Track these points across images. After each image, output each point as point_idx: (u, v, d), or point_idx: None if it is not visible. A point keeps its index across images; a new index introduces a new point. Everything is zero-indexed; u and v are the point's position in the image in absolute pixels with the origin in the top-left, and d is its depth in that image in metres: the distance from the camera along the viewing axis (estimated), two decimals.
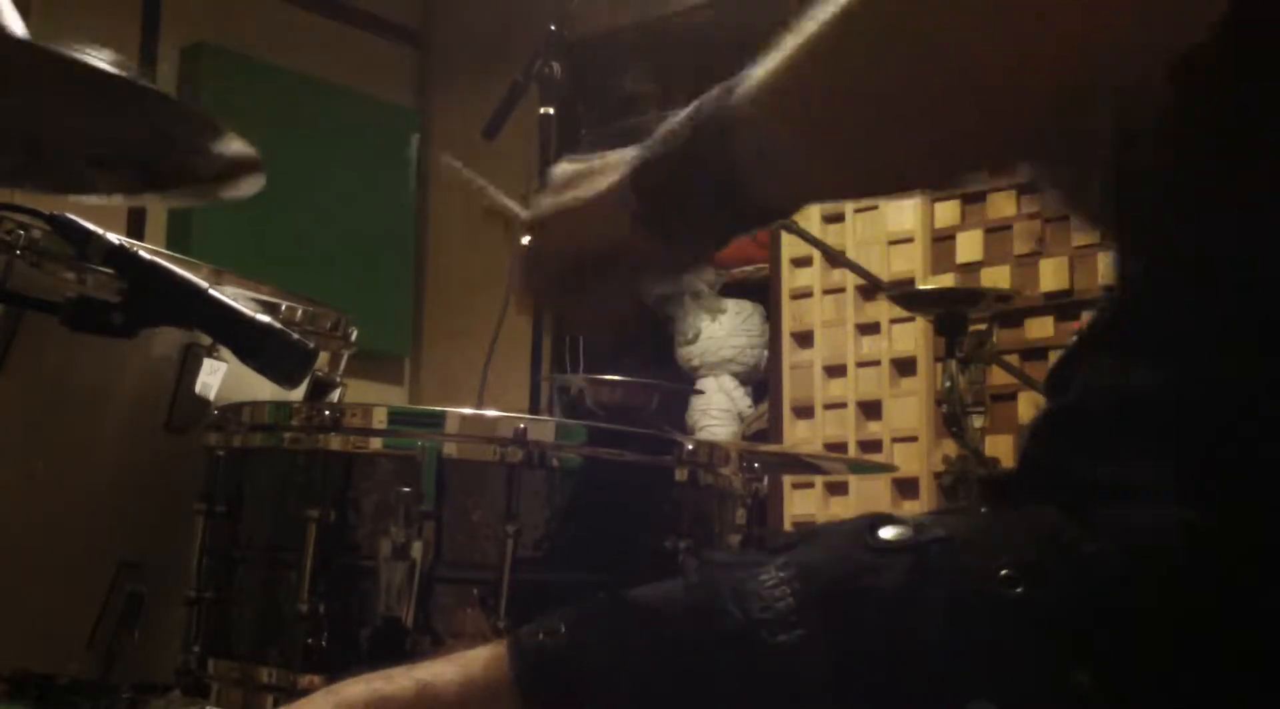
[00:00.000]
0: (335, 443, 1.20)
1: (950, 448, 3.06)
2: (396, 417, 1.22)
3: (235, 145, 1.28)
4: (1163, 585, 0.61)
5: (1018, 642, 0.62)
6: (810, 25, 0.67)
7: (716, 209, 0.75)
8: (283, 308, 1.47)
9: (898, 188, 0.79)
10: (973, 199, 3.46)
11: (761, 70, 0.71)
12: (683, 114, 0.76)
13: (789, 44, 0.69)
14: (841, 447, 3.59)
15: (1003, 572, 0.63)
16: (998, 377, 3.03)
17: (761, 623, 0.67)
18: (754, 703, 0.66)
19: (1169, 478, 0.63)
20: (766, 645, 0.66)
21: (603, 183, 0.81)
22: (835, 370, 3.65)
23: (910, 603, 0.65)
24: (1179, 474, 0.63)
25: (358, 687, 0.77)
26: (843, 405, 3.63)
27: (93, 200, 1.46)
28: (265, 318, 1.18)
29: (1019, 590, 0.62)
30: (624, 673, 0.69)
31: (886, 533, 0.68)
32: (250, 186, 1.36)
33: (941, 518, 0.69)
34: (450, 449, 1.18)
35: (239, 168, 1.32)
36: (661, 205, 0.77)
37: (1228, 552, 0.61)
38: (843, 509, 3.58)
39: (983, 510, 0.68)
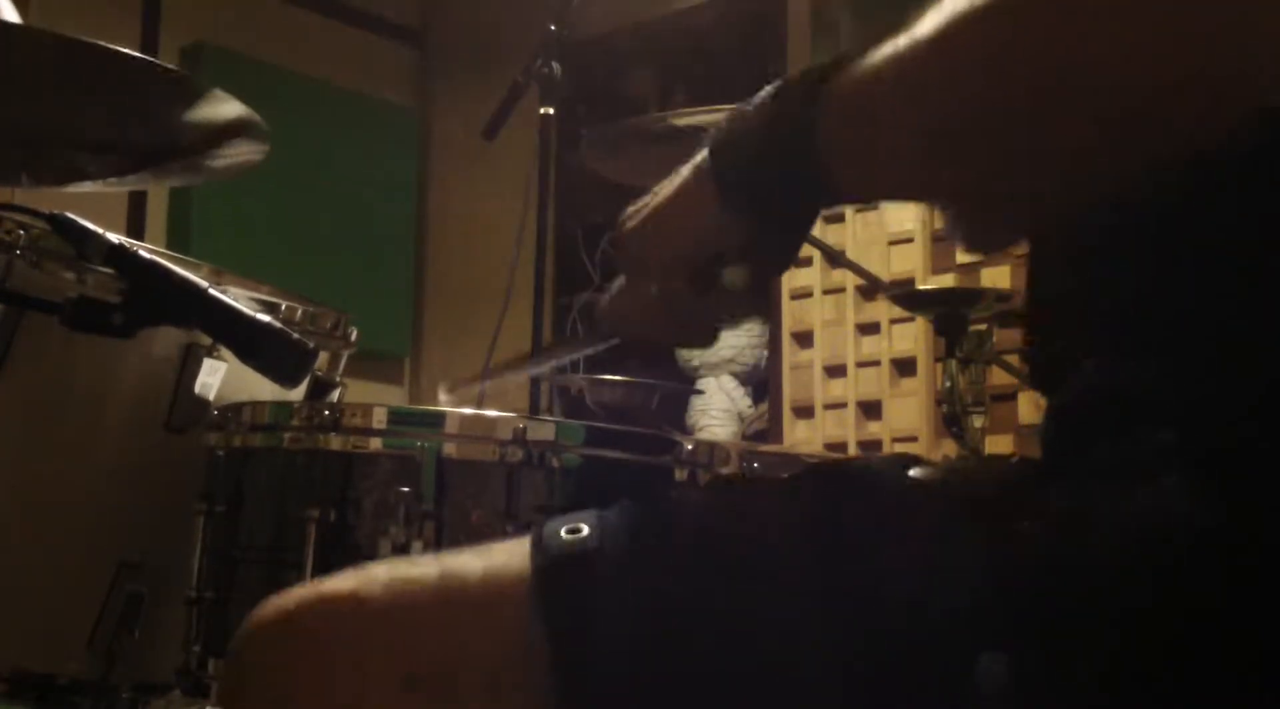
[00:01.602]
0: (335, 443, 1.20)
1: (950, 448, 3.06)
2: (396, 417, 1.22)
3: (226, 108, 1.27)
4: (1166, 579, 0.61)
5: (1033, 623, 0.62)
6: (935, 18, 0.66)
7: (796, 186, 0.74)
8: (283, 308, 1.47)
9: (976, 206, 0.77)
10: None
11: (870, 58, 0.69)
12: (761, 95, 0.75)
13: (903, 38, 0.67)
14: (841, 447, 3.59)
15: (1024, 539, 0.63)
16: (998, 377, 3.03)
17: (785, 542, 0.67)
18: (770, 619, 0.66)
19: (1173, 473, 0.63)
20: (788, 565, 0.67)
21: (679, 178, 0.81)
22: (835, 370, 3.65)
23: (928, 558, 0.65)
24: (1182, 470, 0.63)
25: (382, 567, 0.77)
26: (843, 405, 3.62)
27: (88, 187, 1.46)
28: (265, 318, 1.18)
29: (1039, 567, 0.63)
30: (642, 583, 0.69)
31: (916, 472, 0.68)
32: (245, 154, 1.35)
33: (968, 477, 0.70)
34: (450, 449, 1.18)
35: (230, 132, 1.32)
36: (741, 181, 0.76)
37: (1232, 547, 0.61)
38: None
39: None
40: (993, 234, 0.74)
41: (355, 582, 0.76)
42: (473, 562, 0.74)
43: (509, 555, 0.72)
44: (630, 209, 0.86)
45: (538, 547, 0.71)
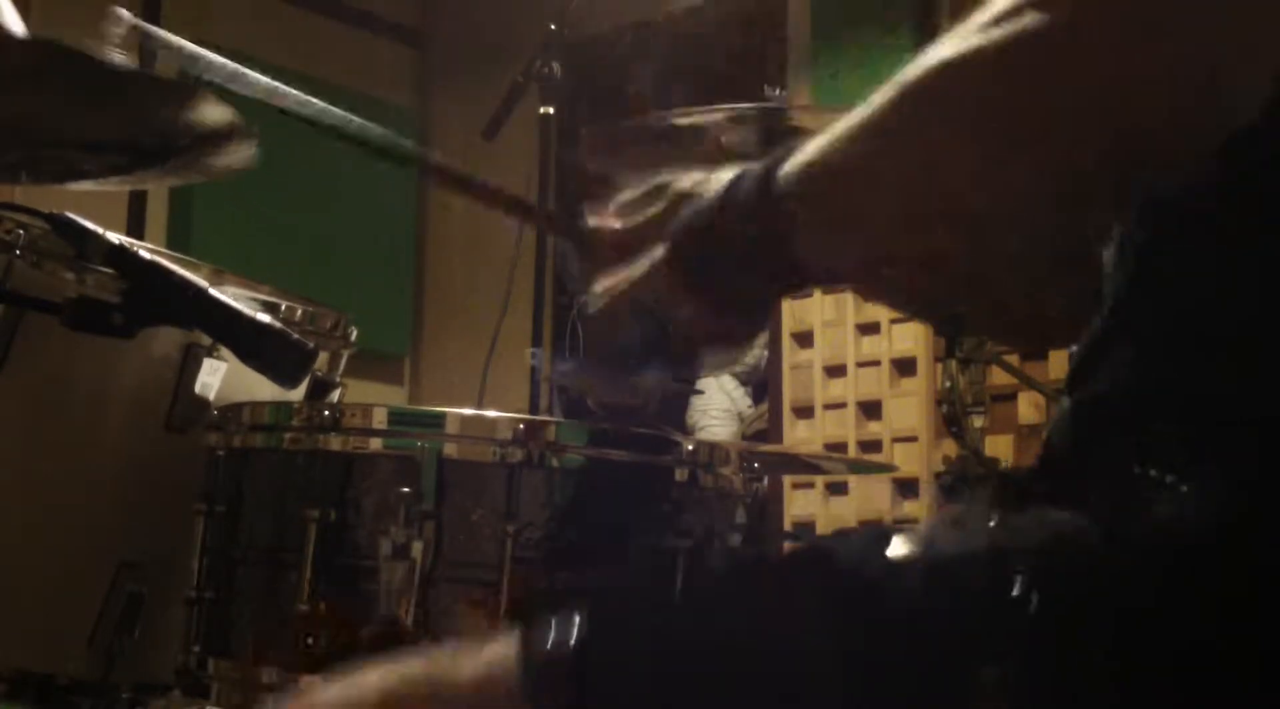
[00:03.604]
0: (335, 443, 1.21)
1: (950, 448, 3.06)
2: (396, 417, 1.22)
3: (215, 111, 1.28)
4: (1181, 588, 0.61)
5: (1034, 653, 0.62)
6: (859, 114, 0.68)
7: (755, 280, 0.76)
8: (283, 308, 1.47)
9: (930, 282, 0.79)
10: None
11: (806, 151, 0.72)
12: (720, 186, 0.77)
13: (838, 128, 0.69)
14: (841, 447, 3.59)
15: (1017, 583, 0.63)
16: (998, 377, 3.03)
17: (773, 639, 0.67)
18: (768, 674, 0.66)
19: (1192, 474, 0.63)
20: (778, 662, 0.66)
21: (646, 260, 0.82)
22: (835, 370, 3.65)
23: (925, 613, 0.64)
24: (1201, 470, 0.63)
25: (372, 678, 0.77)
26: (843, 405, 3.63)
27: (87, 186, 1.46)
28: (265, 318, 1.18)
29: (1035, 604, 0.62)
30: (634, 688, 0.69)
31: (897, 550, 0.68)
32: (240, 155, 1.36)
33: (951, 529, 0.69)
34: (450, 449, 1.18)
35: (224, 133, 1.33)
36: (702, 276, 0.78)
37: (1250, 551, 0.61)
38: (843, 509, 3.58)
39: (992, 520, 0.68)
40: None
41: (343, 695, 0.76)
42: (461, 672, 0.74)
43: (499, 669, 0.72)
44: (600, 286, 0.86)
45: (526, 664, 0.71)
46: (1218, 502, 0.62)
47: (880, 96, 0.68)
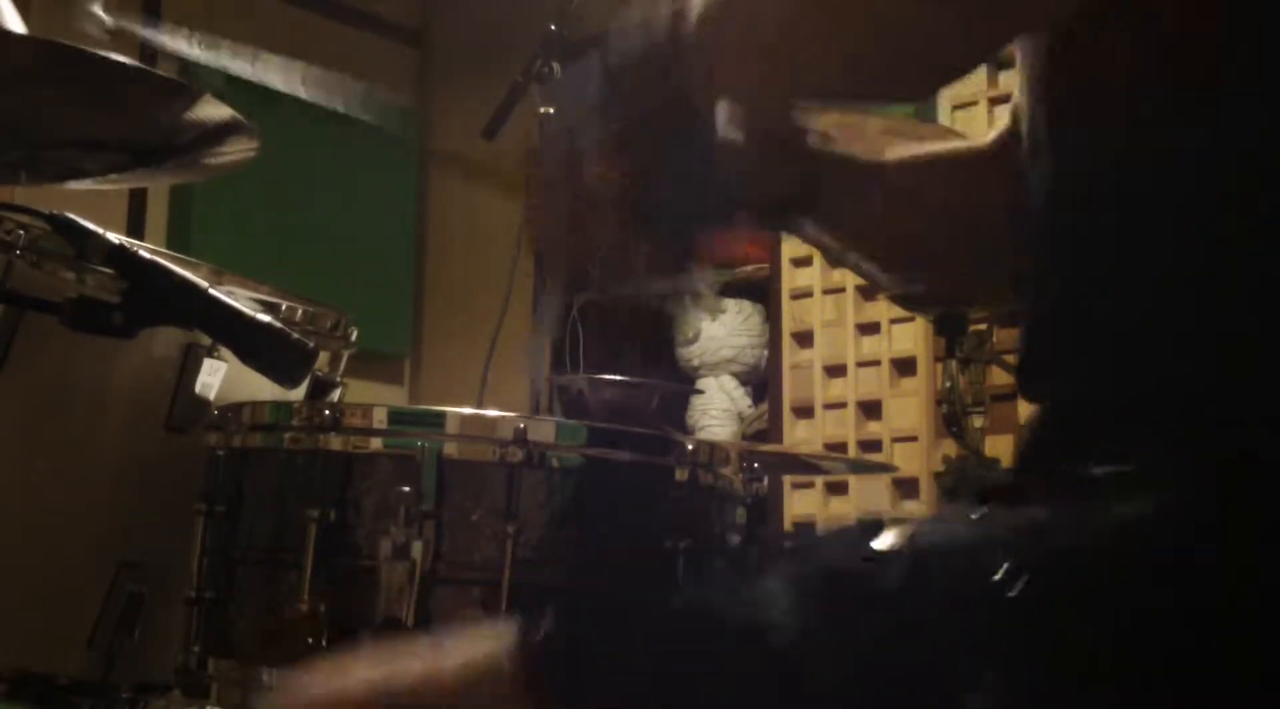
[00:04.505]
0: (335, 443, 1.20)
1: (950, 448, 3.06)
2: (396, 416, 1.22)
3: (216, 110, 1.28)
4: (1160, 582, 0.61)
5: (1016, 643, 0.62)
6: None
7: (678, 141, 0.75)
8: (283, 308, 1.47)
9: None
10: None
11: None
12: (626, 46, 0.76)
13: None
14: (841, 447, 3.59)
15: (998, 574, 0.63)
16: (998, 377, 3.03)
17: (761, 625, 0.67)
18: (753, 705, 0.66)
19: (1167, 473, 0.63)
20: (766, 648, 0.66)
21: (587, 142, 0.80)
22: (835, 370, 3.65)
23: (908, 605, 0.65)
24: (1177, 469, 0.63)
25: (359, 668, 0.77)
26: (843, 405, 3.62)
27: (87, 185, 1.46)
28: (265, 318, 1.18)
29: (1014, 593, 0.62)
30: (624, 682, 0.69)
31: (881, 542, 0.68)
32: (240, 152, 1.36)
33: (935, 524, 0.69)
34: (450, 449, 1.18)
35: (224, 132, 1.33)
36: (653, 151, 0.76)
37: (1228, 547, 0.61)
38: (843, 509, 3.58)
39: (976, 514, 0.68)
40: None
41: (332, 683, 0.76)
42: (450, 655, 0.74)
43: (487, 645, 0.72)
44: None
45: (519, 654, 0.71)
46: (1195, 499, 0.62)
47: None
